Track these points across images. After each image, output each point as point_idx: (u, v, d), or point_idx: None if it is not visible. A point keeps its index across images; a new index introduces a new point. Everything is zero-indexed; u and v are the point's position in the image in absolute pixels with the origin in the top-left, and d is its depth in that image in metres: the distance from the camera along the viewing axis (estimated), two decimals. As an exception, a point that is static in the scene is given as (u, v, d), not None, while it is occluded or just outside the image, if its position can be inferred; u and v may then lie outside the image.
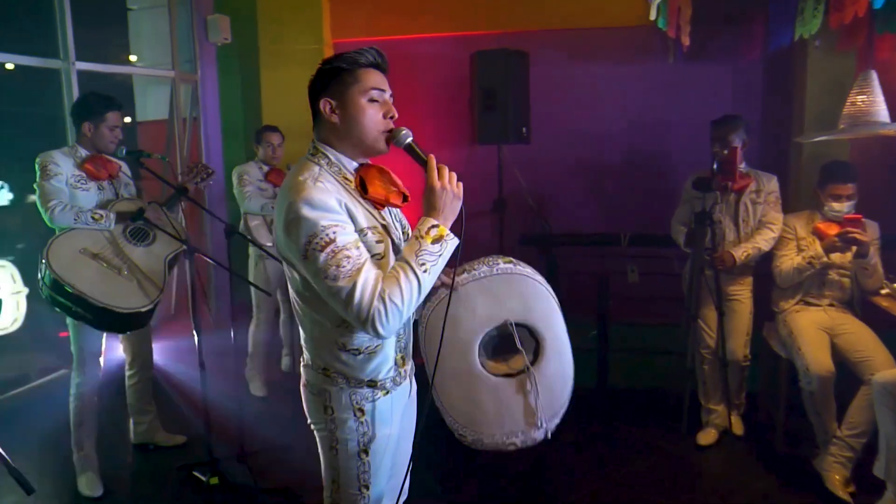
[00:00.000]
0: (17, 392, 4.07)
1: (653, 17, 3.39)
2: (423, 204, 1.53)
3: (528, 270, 2.24)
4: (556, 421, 2.29)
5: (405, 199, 1.63)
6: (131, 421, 3.48)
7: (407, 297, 1.44)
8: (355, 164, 1.62)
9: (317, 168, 1.54)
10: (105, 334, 3.06)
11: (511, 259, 2.24)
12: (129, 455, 3.44)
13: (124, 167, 3.19)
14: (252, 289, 3.78)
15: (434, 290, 1.85)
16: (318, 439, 1.68)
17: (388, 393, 1.65)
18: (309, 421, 1.69)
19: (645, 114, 4.85)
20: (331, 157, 1.59)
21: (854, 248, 2.98)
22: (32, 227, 2.87)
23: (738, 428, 3.46)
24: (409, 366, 1.76)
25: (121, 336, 3.27)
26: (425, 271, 1.46)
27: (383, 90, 1.59)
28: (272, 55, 5.19)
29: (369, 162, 1.65)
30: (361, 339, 1.58)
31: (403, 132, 1.57)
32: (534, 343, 2.27)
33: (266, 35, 5.22)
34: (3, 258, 3.78)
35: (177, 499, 3.06)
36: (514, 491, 3.06)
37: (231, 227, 3.18)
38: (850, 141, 3.91)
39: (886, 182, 3.81)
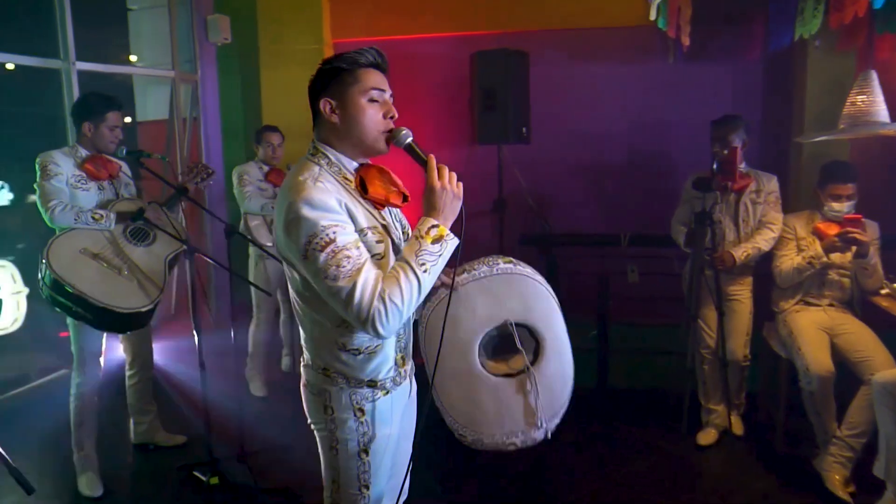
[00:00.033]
0: (17, 392, 4.07)
1: (653, 17, 3.39)
2: (423, 204, 1.53)
3: (529, 270, 2.24)
4: (557, 421, 2.29)
5: (405, 199, 1.63)
6: (131, 421, 3.48)
7: (407, 297, 1.44)
8: (355, 164, 1.62)
9: (317, 168, 1.55)
10: (105, 334, 3.06)
11: (511, 259, 2.25)
12: (130, 455, 3.44)
13: (125, 167, 3.19)
14: (252, 289, 3.78)
15: (434, 289, 1.85)
16: (318, 439, 1.68)
17: (388, 393, 1.65)
18: (309, 421, 1.69)
19: (645, 114, 4.85)
20: (331, 157, 1.59)
21: (854, 248, 2.98)
22: (33, 227, 2.88)
23: (738, 428, 3.46)
24: (409, 366, 1.76)
25: (121, 336, 3.27)
26: (425, 271, 1.46)
27: (383, 90, 1.59)
28: (272, 55, 5.19)
29: (369, 162, 1.65)
30: (361, 339, 1.58)
31: (403, 132, 1.57)
32: (534, 343, 2.27)
33: (266, 35, 5.22)
34: (4, 258, 3.78)
35: (177, 499, 3.06)
36: (514, 491, 3.06)
37: (231, 227, 3.18)
38: (850, 141, 3.91)
39: (886, 182, 3.81)
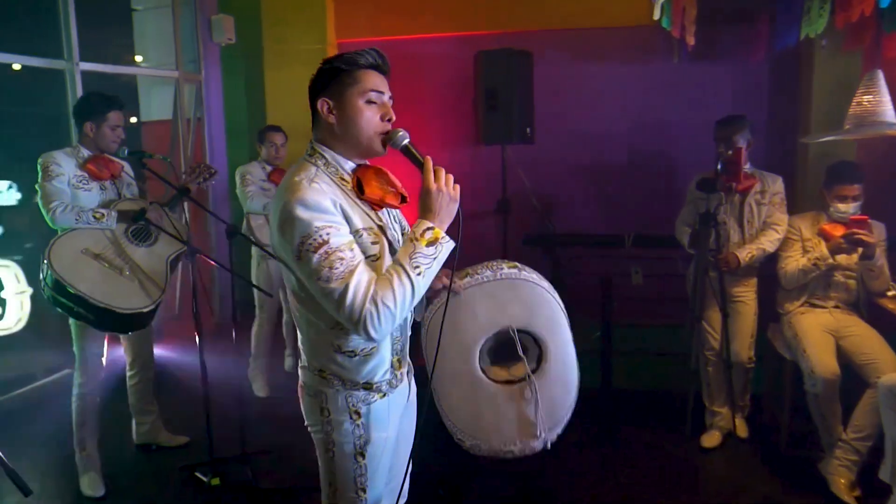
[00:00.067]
0: (22, 391, 4.08)
1: (656, 16, 3.37)
2: (419, 206, 1.52)
3: (534, 276, 2.21)
4: (558, 431, 2.25)
5: (403, 200, 1.62)
6: (133, 421, 3.48)
7: (400, 300, 1.43)
8: (352, 165, 1.61)
9: (313, 169, 1.54)
10: (107, 334, 3.06)
11: (516, 264, 2.21)
12: (132, 455, 3.44)
13: (127, 167, 3.18)
14: (255, 289, 3.78)
15: (437, 292, 1.84)
16: (315, 441, 1.67)
17: (384, 396, 1.64)
18: (306, 423, 1.68)
19: (649, 114, 4.83)
20: (328, 157, 1.58)
21: (860, 250, 2.96)
22: (40, 226, 2.88)
23: (742, 430, 3.43)
24: (406, 368, 1.75)
25: (121, 336, 3.27)
26: (419, 274, 1.45)
27: (382, 92, 1.57)
28: (276, 55, 5.19)
29: (367, 163, 1.64)
30: (357, 342, 1.57)
31: (400, 134, 1.56)
32: (538, 350, 2.24)
33: (270, 35, 5.22)
34: (12, 258, 3.79)
35: (179, 499, 3.06)
36: (514, 491, 3.05)
37: (233, 228, 3.17)
38: (856, 141, 3.88)
39: (893, 183, 3.78)
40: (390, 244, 1.58)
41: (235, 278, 3.20)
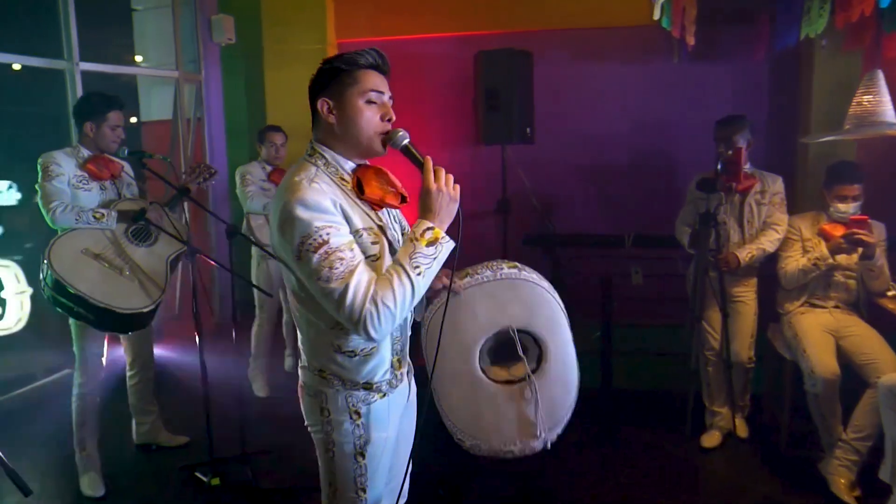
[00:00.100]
0: (22, 391, 4.08)
1: (656, 16, 3.36)
2: (419, 206, 1.52)
3: (534, 276, 2.20)
4: (558, 431, 2.25)
5: (403, 200, 1.62)
6: (133, 421, 3.48)
7: (399, 300, 1.43)
8: (352, 165, 1.61)
9: (313, 169, 1.54)
10: (107, 334, 3.06)
11: (516, 264, 2.21)
12: (132, 455, 3.44)
13: (127, 167, 3.18)
14: (255, 289, 3.78)
15: (437, 292, 1.84)
16: (315, 441, 1.67)
17: (384, 396, 1.64)
18: (306, 423, 1.68)
19: (649, 114, 4.83)
20: (328, 157, 1.58)
21: (860, 250, 2.96)
22: (40, 226, 2.88)
23: (742, 430, 3.43)
24: (406, 368, 1.75)
25: (121, 336, 3.27)
26: (419, 274, 1.45)
27: (382, 92, 1.57)
28: (276, 55, 5.19)
29: (367, 163, 1.64)
30: (357, 342, 1.57)
31: (400, 134, 1.56)
32: (538, 350, 2.24)
33: (270, 35, 5.22)
34: (12, 258, 3.79)
35: (179, 499, 3.06)
36: (514, 491, 3.05)
37: (233, 228, 3.17)
38: (856, 141, 3.88)
39: (893, 183, 3.78)
40: (390, 244, 1.58)
41: (235, 278, 3.20)
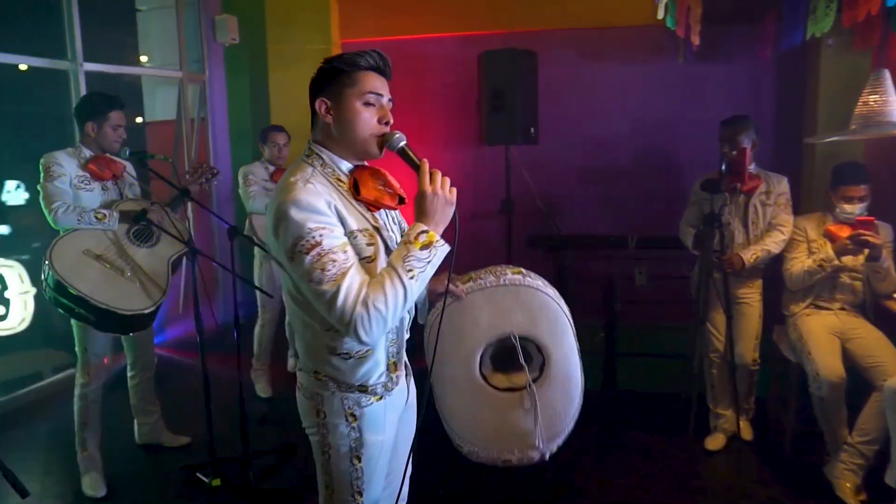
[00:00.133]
0: (28, 390, 4.10)
1: (660, 16, 3.35)
2: (415, 209, 1.51)
3: (539, 283, 2.17)
4: (558, 442, 2.22)
5: (401, 201, 1.61)
6: (135, 422, 3.48)
7: (391, 303, 1.42)
8: (349, 166, 1.60)
9: (310, 169, 1.53)
10: (109, 334, 3.06)
11: (521, 270, 2.18)
12: (134, 456, 3.44)
13: (129, 168, 3.18)
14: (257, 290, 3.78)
15: (440, 296, 1.83)
16: (311, 444, 1.66)
17: (380, 398, 1.63)
18: (303, 425, 1.67)
19: (654, 114, 4.80)
20: (325, 158, 1.57)
21: (866, 251, 2.93)
22: (47, 226, 2.88)
23: (746, 433, 3.40)
24: (403, 371, 1.73)
25: (123, 337, 3.27)
26: (412, 278, 1.44)
27: (381, 94, 1.56)
28: (280, 55, 5.19)
29: (366, 164, 1.63)
30: (351, 344, 1.55)
31: (396, 136, 1.55)
32: (541, 358, 2.21)
33: (274, 35, 5.22)
34: (19, 257, 3.80)
35: (180, 500, 3.05)
36: (515, 493, 3.03)
37: (235, 229, 3.17)
38: (863, 141, 3.84)
39: (900, 184, 3.74)
40: (386, 246, 1.57)
41: (237, 279, 3.19)
